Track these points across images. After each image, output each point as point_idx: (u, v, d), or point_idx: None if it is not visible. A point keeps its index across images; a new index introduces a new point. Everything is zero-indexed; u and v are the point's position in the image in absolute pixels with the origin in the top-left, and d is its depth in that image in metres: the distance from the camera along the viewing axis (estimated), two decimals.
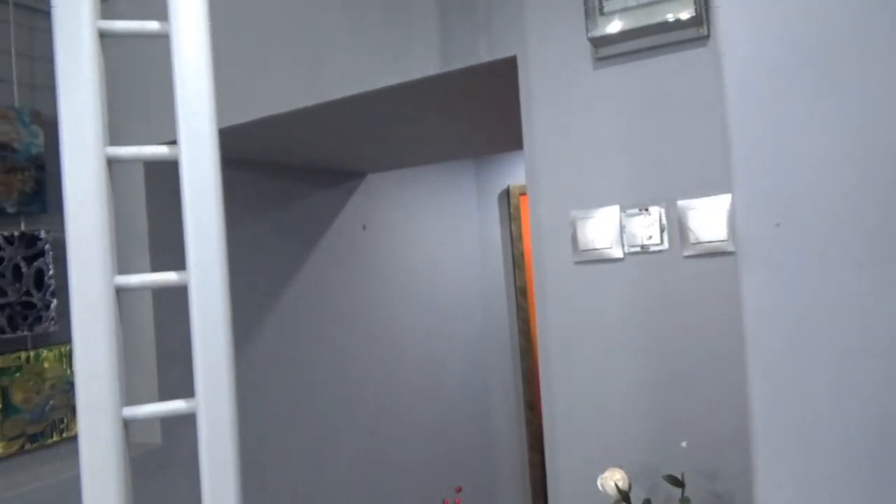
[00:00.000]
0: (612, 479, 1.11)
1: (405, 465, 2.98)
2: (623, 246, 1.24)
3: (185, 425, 2.03)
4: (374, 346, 2.83)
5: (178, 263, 2.22)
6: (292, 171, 2.49)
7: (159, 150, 0.80)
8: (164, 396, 1.96)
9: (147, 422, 1.93)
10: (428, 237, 3.25)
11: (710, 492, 1.17)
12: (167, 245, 2.02)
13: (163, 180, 2.03)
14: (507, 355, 3.55)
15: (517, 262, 3.55)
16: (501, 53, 1.38)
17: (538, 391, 3.59)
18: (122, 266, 2.14)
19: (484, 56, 1.40)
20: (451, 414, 3.30)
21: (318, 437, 2.50)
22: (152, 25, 0.80)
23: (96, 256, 0.76)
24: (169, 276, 0.80)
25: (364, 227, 2.77)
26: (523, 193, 3.59)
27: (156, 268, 1.97)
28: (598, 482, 1.14)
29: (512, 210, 3.56)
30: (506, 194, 3.61)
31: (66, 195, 0.76)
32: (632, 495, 1.15)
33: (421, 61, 1.47)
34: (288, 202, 2.47)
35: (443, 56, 1.45)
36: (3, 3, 1.88)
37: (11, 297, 1.76)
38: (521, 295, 3.54)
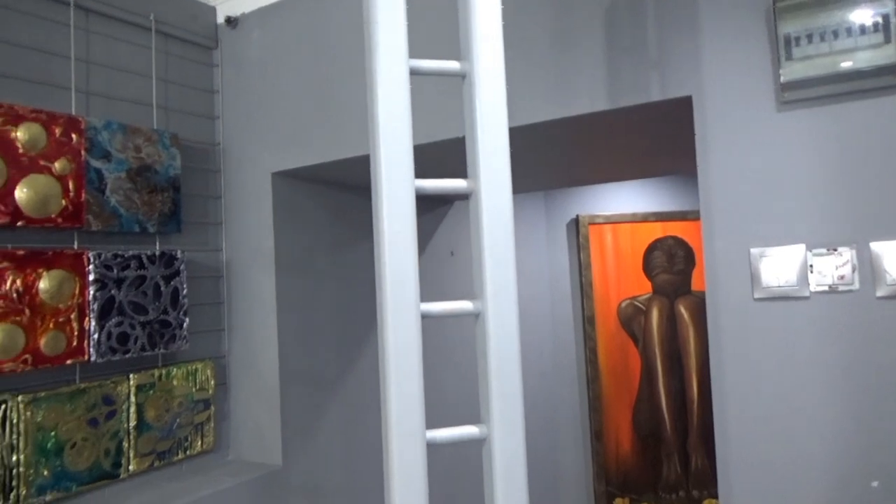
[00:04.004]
0: None
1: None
2: (809, 285, 1.27)
3: (303, 447, 2.04)
4: (460, 375, 2.84)
5: (298, 282, 2.29)
6: None
7: (457, 184, 0.83)
8: (285, 415, 1.98)
9: (272, 444, 1.94)
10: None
11: None
12: (287, 264, 2.05)
13: (284, 204, 2.07)
14: (574, 385, 3.56)
15: (585, 292, 3.58)
16: (675, 93, 1.42)
17: (605, 420, 3.59)
18: (252, 285, 2.19)
19: (656, 95, 1.44)
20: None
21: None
22: (452, 65, 0.84)
23: (408, 284, 0.78)
24: (464, 305, 0.83)
25: (452, 254, 2.81)
26: (593, 223, 3.63)
27: (280, 286, 2.00)
28: None
29: (581, 239, 3.60)
30: (574, 224, 3.64)
31: (382, 226, 0.79)
32: None
33: (586, 97, 1.51)
34: None
35: (610, 93, 1.49)
36: (146, 30, 1.94)
37: (151, 316, 1.79)
38: (588, 324, 3.55)
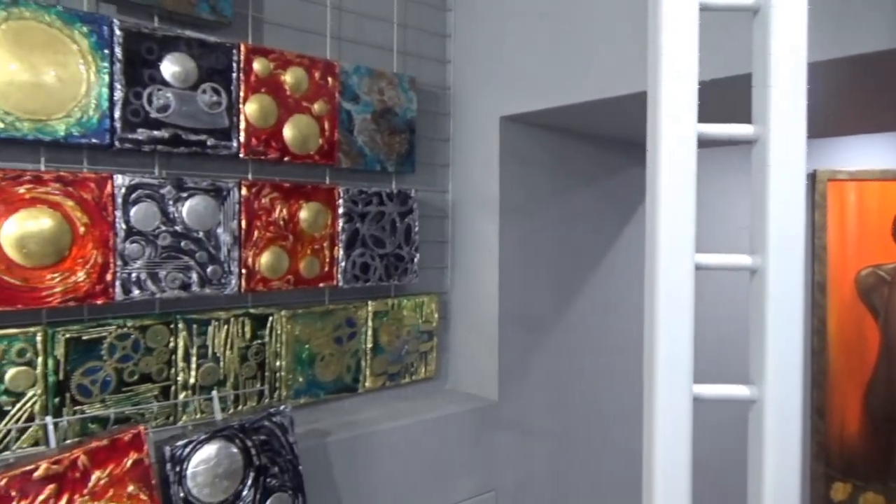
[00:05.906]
0: None
1: None
2: None
3: (516, 386, 2.11)
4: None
5: (519, 226, 2.24)
6: (615, 145, 2.46)
7: (743, 130, 0.77)
8: (501, 353, 2.05)
9: (488, 379, 2.03)
10: (729, 219, 3.07)
11: None
12: (510, 207, 2.09)
13: (509, 148, 2.09)
14: None
15: (818, 255, 3.23)
16: None
17: (830, 397, 3.28)
18: (476, 227, 2.23)
19: None
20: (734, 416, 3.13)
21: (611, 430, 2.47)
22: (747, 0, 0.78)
23: (685, 234, 0.75)
24: (742, 259, 0.78)
25: None
26: (833, 179, 3.24)
27: (503, 229, 2.05)
28: None
29: (817, 197, 3.23)
30: (811, 179, 3.28)
31: (658, 171, 0.77)
32: None
33: (871, 34, 1.32)
34: (611, 175, 2.46)
35: (893, 30, 1.29)
36: None
37: (388, 249, 1.93)
38: (818, 291, 3.22)
